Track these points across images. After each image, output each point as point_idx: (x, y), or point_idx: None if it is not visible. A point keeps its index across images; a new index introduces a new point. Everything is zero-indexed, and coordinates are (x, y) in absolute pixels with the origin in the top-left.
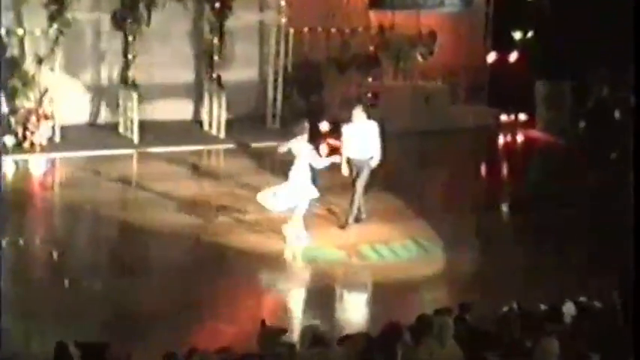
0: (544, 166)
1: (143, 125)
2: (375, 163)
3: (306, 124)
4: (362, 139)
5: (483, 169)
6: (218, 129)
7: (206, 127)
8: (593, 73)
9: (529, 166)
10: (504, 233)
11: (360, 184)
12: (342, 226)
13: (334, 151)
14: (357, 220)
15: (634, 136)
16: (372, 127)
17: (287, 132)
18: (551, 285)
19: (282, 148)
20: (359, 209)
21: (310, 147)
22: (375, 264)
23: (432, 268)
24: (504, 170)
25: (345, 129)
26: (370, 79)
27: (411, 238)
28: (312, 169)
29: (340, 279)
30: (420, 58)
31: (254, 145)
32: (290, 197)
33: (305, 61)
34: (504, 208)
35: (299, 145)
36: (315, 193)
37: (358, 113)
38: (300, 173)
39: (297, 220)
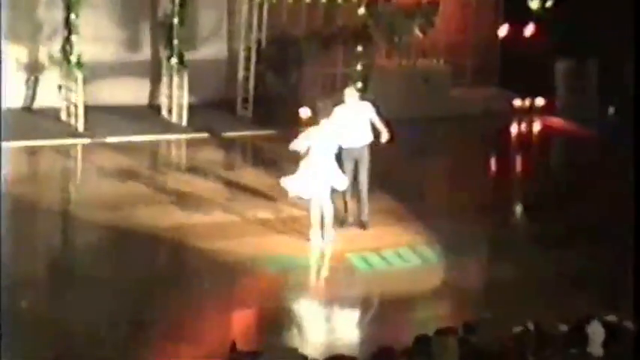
0: (566, 160)
1: (89, 111)
2: (384, 138)
3: (328, 101)
4: (356, 123)
5: (493, 163)
6: (179, 115)
7: (165, 113)
8: (623, 49)
9: (548, 160)
10: (518, 239)
11: (364, 177)
12: (363, 227)
13: None
14: (342, 224)
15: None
16: (368, 109)
17: (260, 119)
18: (575, 301)
19: (298, 145)
20: (346, 212)
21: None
22: (367, 275)
23: (432, 281)
24: (518, 164)
25: (336, 112)
26: (359, 58)
27: (408, 244)
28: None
29: (325, 292)
30: (418, 32)
31: (222, 134)
32: (314, 183)
33: (282, 36)
34: (518, 209)
35: (321, 131)
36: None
37: (350, 93)
38: (326, 161)
39: (329, 224)
